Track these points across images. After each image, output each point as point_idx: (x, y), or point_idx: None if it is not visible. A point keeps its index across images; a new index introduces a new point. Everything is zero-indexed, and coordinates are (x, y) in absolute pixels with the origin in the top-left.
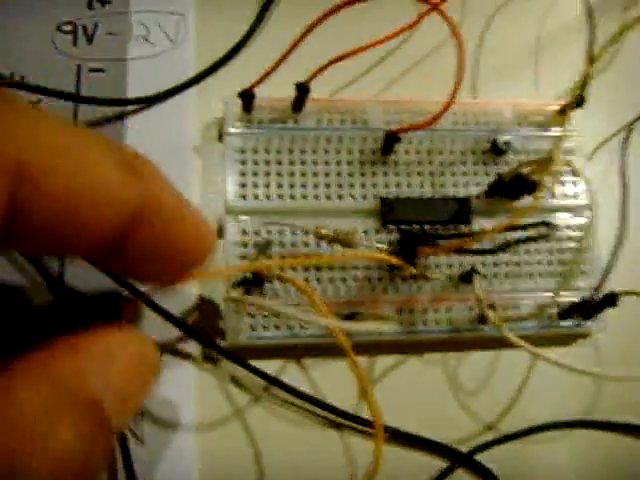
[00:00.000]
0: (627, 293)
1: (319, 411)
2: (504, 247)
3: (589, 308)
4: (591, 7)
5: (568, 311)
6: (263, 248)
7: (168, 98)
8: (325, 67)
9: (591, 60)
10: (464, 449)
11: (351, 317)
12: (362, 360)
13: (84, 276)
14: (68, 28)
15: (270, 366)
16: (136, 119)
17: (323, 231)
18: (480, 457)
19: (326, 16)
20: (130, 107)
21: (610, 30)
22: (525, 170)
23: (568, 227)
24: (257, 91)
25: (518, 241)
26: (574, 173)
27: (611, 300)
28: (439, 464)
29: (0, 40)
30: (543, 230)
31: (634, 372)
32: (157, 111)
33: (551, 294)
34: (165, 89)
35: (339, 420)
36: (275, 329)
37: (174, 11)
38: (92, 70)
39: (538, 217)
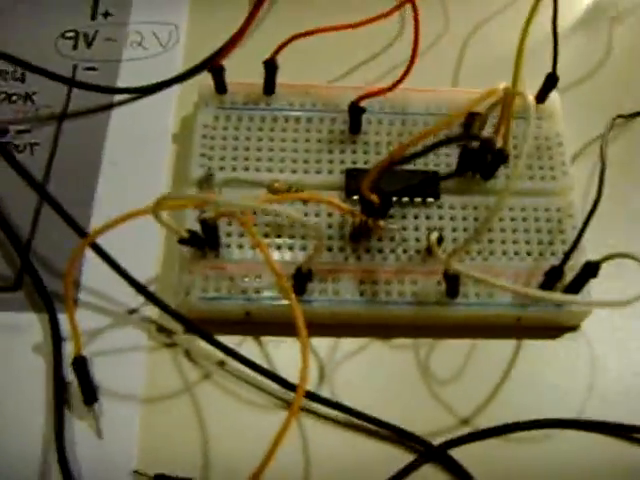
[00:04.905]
0: (604, 259)
1: (274, 390)
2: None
3: (573, 283)
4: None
5: (546, 282)
6: (205, 181)
7: (153, 92)
8: (289, 41)
9: (555, 34)
10: (435, 442)
11: (307, 277)
12: (325, 341)
13: None
14: (71, 35)
15: (226, 341)
16: (122, 109)
17: (276, 184)
18: (453, 452)
19: None
20: (118, 98)
21: None
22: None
23: (547, 209)
24: (231, 76)
25: (437, 144)
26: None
27: (591, 269)
28: (406, 457)
29: (8, 44)
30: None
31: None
32: (142, 104)
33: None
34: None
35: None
36: (227, 292)
37: (168, 22)
38: (87, 69)
39: (516, 200)
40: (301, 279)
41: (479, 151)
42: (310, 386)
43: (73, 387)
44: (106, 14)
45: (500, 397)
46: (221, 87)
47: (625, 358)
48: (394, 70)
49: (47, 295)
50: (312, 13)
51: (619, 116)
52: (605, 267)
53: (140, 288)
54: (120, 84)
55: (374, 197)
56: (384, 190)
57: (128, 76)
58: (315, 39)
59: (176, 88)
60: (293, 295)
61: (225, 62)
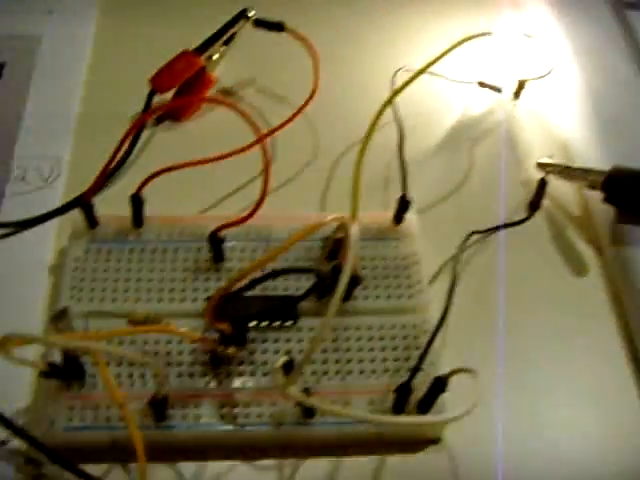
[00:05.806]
0: (450, 374)
1: None
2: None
3: (426, 398)
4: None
5: (398, 399)
6: (59, 316)
7: (31, 226)
8: (153, 176)
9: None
10: None
11: (163, 404)
12: (190, 465)
13: None
14: None
15: (94, 470)
16: (1, 243)
17: (135, 315)
18: None
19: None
20: None
21: None
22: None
23: (403, 327)
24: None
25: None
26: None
27: (440, 384)
28: None
29: None
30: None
31: None
32: (21, 237)
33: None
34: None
35: None
36: (92, 421)
37: (51, 155)
38: None
39: (373, 319)
40: (157, 406)
41: (332, 276)
42: None
43: None
44: None
45: None
46: (92, 222)
47: (488, 467)
48: None
49: None
50: (187, 145)
51: (474, 232)
52: (459, 380)
53: (4, 421)
54: (2, 218)
55: (223, 326)
56: (239, 316)
57: (11, 210)
58: (187, 171)
59: (55, 221)
60: (130, 416)
61: (101, 195)
